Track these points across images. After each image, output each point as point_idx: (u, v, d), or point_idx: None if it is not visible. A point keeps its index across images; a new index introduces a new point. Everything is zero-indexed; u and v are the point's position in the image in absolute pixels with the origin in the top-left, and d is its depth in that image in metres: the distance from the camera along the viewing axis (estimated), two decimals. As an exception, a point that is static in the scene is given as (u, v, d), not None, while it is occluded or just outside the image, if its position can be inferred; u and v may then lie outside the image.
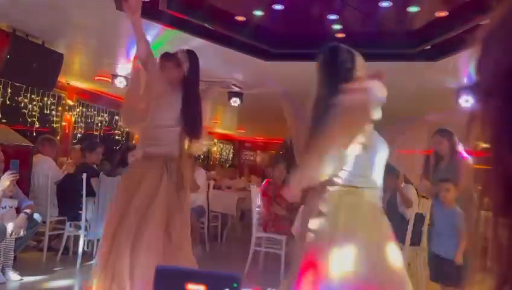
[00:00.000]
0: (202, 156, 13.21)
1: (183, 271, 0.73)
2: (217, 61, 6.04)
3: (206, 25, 4.87)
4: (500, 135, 0.45)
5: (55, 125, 8.01)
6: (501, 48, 0.45)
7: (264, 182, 5.81)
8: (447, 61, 5.11)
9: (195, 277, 0.67)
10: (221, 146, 15.71)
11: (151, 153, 3.01)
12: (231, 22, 4.92)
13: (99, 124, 9.17)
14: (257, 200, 5.47)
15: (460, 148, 4.08)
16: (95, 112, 9.06)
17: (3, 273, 4.19)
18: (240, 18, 4.91)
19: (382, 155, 2.22)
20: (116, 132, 9.76)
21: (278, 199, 5.47)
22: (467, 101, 6.21)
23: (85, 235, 5.12)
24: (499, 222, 0.46)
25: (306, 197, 2.25)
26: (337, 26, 5.02)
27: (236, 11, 4.85)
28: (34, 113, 7.35)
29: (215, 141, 14.76)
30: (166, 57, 3.15)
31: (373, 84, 2.11)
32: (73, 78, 7.93)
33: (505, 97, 0.44)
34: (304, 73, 6.40)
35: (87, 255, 5.27)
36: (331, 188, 2.12)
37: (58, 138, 7.76)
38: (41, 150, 5.61)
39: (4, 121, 6.64)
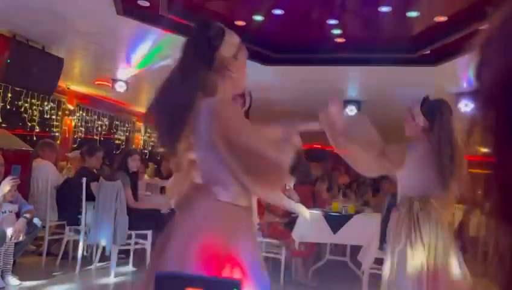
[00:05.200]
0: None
1: (183, 276, 0.73)
2: (217, 65, 6.04)
3: (206, 29, 4.87)
4: (501, 141, 0.45)
5: (55, 130, 8.01)
6: (500, 55, 0.45)
7: None
8: (447, 65, 5.12)
9: (195, 282, 0.67)
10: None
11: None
12: (231, 26, 4.90)
13: (99, 129, 9.17)
14: (255, 205, 5.46)
15: None
16: (95, 117, 9.07)
17: (3, 278, 4.19)
18: (240, 23, 4.92)
19: None
20: (116, 136, 9.76)
21: (272, 207, 5.42)
22: (466, 106, 6.22)
23: (84, 240, 5.11)
24: (500, 228, 0.46)
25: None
26: (336, 31, 5.03)
27: (236, 15, 4.86)
28: (34, 117, 7.35)
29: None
30: None
31: None
32: (73, 83, 7.94)
33: (505, 104, 0.44)
34: (303, 78, 6.44)
35: (87, 260, 5.26)
36: None
37: (58, 142, 7.76)
38: (41, 155, 5.61)
39: (4, 125, 6.64)
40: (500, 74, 0.44)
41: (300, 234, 4.84)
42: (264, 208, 5.40)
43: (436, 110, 2.73)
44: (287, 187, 5.69)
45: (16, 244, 4.26)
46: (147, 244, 5.01)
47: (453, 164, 2.48)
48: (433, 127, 2.67)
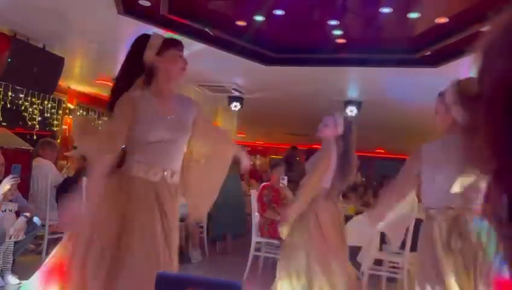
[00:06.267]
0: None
1: (183, 278, 0.73)
2: (218, 65, 6.05)
3: (207, 29, 4.88)
4: (502, 146, 0.45)
5: (55, 129, 8.02)
6: (502, 59, 0.45)
7: (261, 186, 5.80)
8: (447, 67, 5.12)
9: (196, 284, 0.67)
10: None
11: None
12: (232, 26, 4.92)
13: (99, 128, 9.17)
14: (256, 205, 5.47)
15: None
16: (95, 116, 9.07)
17: (2, 277, 4.19)
18: (241, 23, 4.92)
19: None
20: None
21: (273, 203, 5.44)
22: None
23: (84, 239, 5.10)
24: (502, 233, 0.46)
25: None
26: (337, 32, 5.02)
27: (237, 16, 4.86)
28: (34, 116, 7.35)
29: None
30: (181, 46, 2.42)
31: None
32: (73, 82, 7.94)
33: (506, 108, 0.44)
34: (304, 78, 6.44)
35: (86, 259, 5.25)
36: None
37: (59, 141, 7.76)
38: (41, 154, 5.60)
39: (4, 124, 6.64)
40: (502, 78, 0.45)
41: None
42: (266, 204, 5.41)
43: None
44: (281, 184, 5.72)
45: (16, 243, 4.26)
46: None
47: None
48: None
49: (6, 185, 3.98)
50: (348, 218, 4.91)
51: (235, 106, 7.63)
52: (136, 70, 2.36)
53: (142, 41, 2.37)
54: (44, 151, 5.66)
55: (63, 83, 7.26)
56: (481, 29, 4.22)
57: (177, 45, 2.40)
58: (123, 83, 2.39)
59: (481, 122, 0.47)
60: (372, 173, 13.47)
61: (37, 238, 5.22)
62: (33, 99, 7.23)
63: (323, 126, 3.57)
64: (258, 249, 5.48)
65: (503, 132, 0.45)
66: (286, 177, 5.83)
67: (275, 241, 5.33)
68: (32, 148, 5.49)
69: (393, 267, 4.81)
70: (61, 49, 5.85)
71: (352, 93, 7.27)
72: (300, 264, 3.22)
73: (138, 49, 2.36)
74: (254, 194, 5.57)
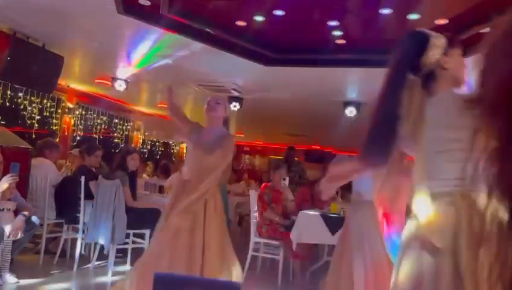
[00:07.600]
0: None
1: (182, 278, 0.72)
2: (218, 65, 6.04)
3: (206, 29, 4.87)
4: (504, 148, 0.45)
5: (54, 128, 8.01)
6: (505, 63, 0.45)
7: (262, 186, 5.81)
8: (447, 68, 5.12)
9: (195, 284, 0.67)
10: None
11: None
12: (232, 26, 4.92)
13: (99, 127, 9.17)
14: (255, 205, 5.47)
15: None
16: (95, 115, 9.07)
17: (0, 276, 4.18)
18: (241, 23, 4.91)
19: None
20: (115, 135, 9.76)
21: (273, 203, 5.45)
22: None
23: (82, 238, 5.11)
24: (502, 231, 0.46)
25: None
26: (337, 33, 5.02)
27: (237, 16, 4.85)
28: (33, 115, 7.35)
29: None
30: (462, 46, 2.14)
31: None
32: (73, 81, 7.94)
33: (508, 110, 0.44)
34: (303, 78, 6.44)
35: (84, 259, 5.25)
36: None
37: (57, 140, 7.76)
38: (48, 155, 5.58)
39: (3, 122, 6.64)
40: (504, 81, 0.44)
41: (298, 234, 4.84)
42: (267, 203, 5.41)
43: None
44: (282, 184, 5.72)
45: (14, 242, 4.26)
46: (145, 244, 5.01)
47: None
48: None
49: (5, 183, 3.98)
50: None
51: (235, 106, 7.63)
52: (405, 73, 2.02)
53: (416, 41, 2.11)
54: (51, 152, 5.65)
55: (62, 81, 7.26)
56: (481, 31, 4.22)
57: (461, 44, 2.07)
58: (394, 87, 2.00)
59: (483, 123, 0.47)
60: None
61: (35, 237, 5.22)
62: (32, 98, 7.22)
63: (217, 104, 3.57)
64: (256, 250, 5.48)
65: (505, 132, 0.45)
66: (288, 178, 5.84)
67: (274, 242, 5.34)
68: (31, 147, 5.48)
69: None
70: (61, 48, 5.85)
71: (352, 94, 7.27)
72: None
73: (412, 49, 2.10)
74: (253, 194, 5.56)
